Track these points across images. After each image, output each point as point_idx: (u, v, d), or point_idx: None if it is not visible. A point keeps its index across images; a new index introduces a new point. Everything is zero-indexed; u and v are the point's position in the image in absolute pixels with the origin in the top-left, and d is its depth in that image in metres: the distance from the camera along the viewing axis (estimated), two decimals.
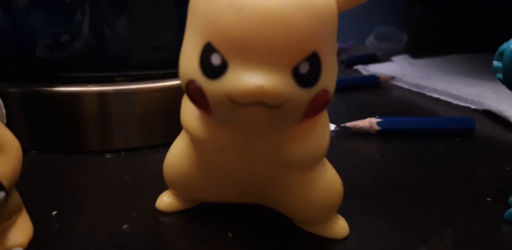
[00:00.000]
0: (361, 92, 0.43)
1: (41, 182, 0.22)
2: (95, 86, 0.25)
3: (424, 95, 0.43)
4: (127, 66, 0.27)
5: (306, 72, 0.13)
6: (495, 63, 0.19)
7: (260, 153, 0.16)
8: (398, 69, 0.51)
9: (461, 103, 0.39)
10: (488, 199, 0.22)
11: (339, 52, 0.66)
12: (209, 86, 0.13)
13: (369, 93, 0.43)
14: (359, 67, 0.54)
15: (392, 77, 0.47)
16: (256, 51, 0.13)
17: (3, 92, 0.25)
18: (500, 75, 0.18)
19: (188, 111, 0.16)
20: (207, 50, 0.13)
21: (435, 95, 0.42)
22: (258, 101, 0.13)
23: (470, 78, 0.46)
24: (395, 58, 0.59)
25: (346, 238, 0.18)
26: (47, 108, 0.25)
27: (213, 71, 0.13)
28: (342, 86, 0.43)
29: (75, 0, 0.24)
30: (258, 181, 0.17)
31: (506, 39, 0.18)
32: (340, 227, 0.18)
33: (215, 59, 0.13)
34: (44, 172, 0.23)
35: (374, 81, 0.45)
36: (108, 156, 0.25)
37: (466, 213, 0.20)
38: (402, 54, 0.61)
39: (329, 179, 0.17)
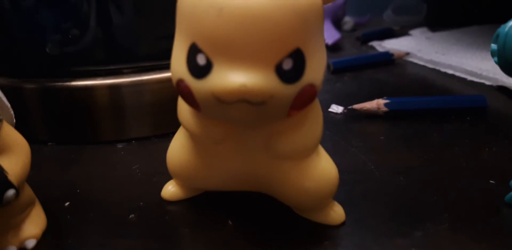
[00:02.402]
0: (374, 71, 0.43)
1: (56, 173, 0.23)
2: (106, 79, 0.26)
3: (439, 71, 0.42)
4: (135, 58, 0.27)
5: (290, 68, 0.14)
6: (493, 46, 0.18)
7: (253, 144, 0.17)
8: (414, 45, 0.50)
9: (476, 80, 0.38)
10: (491, 181, 0.22)
11: (356, 27, 0.65)
12: (195, 85, 0.14)
13: (383, 71, 0.43)
14: (374, 43, 0.53)
15: (407, 54, 0.46)
16: (238, 51, 0.13)
17: (19, 89, 0.26)
18: (496, 59, 0.18)
19: (183, 107, 0.17)
20: (193, 50, 0.14)
21: (450, 72, 0.41)
22: (242, 99, 0.13)
23: (487, 52, 0.44)
24: (413, 31, 0.58)
25: (343, 224, 0.18)
26: (62, 102, 0.26)
27: (199, 71, 0.14)
28: (355, 65, 0.43)
29: None
30: (254, 171, 0.18)
31: None
32: (336, 213, 0.18)
33: (200, 60, 0.14)
34: (59, 163, 0.24)
35: (388, 59, 0.45)
36: (119, 145, 0.26)
37: (466, 196, 0.20)
38: (421, 27, 0.59)
39: (323, 167, 0.17)
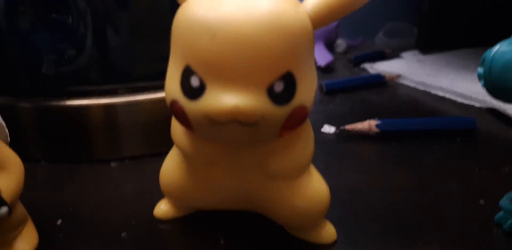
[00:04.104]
0: (366, 92, 0.44)
1: (49, 191, 0.23)
2: (101, 99, 0.26)
3: (429, 93, 0.43)
4: (130, 78, 0.28)
5: (281, 90, 0.14)
6: (479, 70, 0.19)
7: (246, 164, 0.17)
8: (405, 67, 0.51)
9: (466, 102, 0.39)
10: (480, 201, 0.22)
11: (348, 50, 0.66)
12: (189, 106, 0.14)
13: (374, 93, 0.43)
14: (366, 66, 0.54)
15: (398, 76, 0.47)
16: (231, 73, 0.14)
17: (14, 107, 0.26)
18: (483, 82, 0.18)
19: (177, 127, 0.17)
20: (187, 72, 0.14)
21: (441, 94, 0.42)
22: (234, 120, 0.14)
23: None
24: (404, 54, 0.59)
25: (334, 243, 0.18)
26: (56, 121, 0.26)
27: (193, 92, 0.14)
28: (347, 87, 0.44)
29: (77, 17, 0.25)
30: (246, 190, 0.18)
31: None
32: (328, 232, 0.18)
33: (194, 81, 0.14)
34: (52, 182, 0.24)
35: (379, 81, 0.45)
36: (113, 164, 0.26)
37: (457, 217, 0.21)
38: (412, 50, 0.60)
39: (315, 187, 0.18)
